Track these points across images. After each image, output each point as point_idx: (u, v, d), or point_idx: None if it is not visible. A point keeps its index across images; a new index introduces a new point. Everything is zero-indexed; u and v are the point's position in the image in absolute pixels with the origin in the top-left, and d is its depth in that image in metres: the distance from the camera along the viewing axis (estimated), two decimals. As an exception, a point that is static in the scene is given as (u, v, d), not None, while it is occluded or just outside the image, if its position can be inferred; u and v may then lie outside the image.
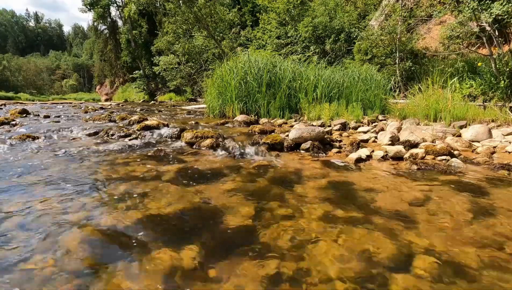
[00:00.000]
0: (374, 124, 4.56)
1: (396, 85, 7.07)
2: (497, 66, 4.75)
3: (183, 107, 10.02)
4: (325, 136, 3.52)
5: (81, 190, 2.03)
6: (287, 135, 3.54)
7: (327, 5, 10.96)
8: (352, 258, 1.29)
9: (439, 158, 2.84)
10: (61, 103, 15.93)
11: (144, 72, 25.19)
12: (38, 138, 3.69)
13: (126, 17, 20.32)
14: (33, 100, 30.92)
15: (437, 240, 1.43)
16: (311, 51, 10.43)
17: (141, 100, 22.40)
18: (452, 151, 2.96)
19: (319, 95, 5.44)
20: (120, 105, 13.66)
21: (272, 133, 3.76)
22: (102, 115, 5.84)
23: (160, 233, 1.51)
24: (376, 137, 3.73)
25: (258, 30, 14.11)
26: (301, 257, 1.30)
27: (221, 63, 6.38)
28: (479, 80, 5.27)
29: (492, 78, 4.93)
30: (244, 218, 1.65)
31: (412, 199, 1.94)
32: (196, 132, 3.64)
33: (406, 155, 2.94)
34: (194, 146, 3.46)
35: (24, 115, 6.21)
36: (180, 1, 13.56)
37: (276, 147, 3.32)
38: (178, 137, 3.81)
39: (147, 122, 4.24)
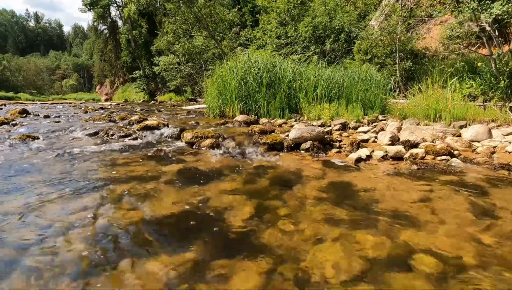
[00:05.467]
0: (374, 124, 4.56)
1: (396, 85, 7.06)
2: (497, 66, 4.74)
3: (183, 107, 10.01)
4: (325, 136, 3.51)
5: (80, 190, 2.03)
6: (287, 135, 3.54)
7: (327, 5, 10.96)
8: (352, 258, 1.29)
9: (439, 158, 2.84)
10: (61, 103, 15.93)
11: (144, 72, 25.18)
12: (38, 138, 3.69)
13: (126, 17, 20.33)
14: (33, 100, 30.92)
15: (437, 240, 1.43)
16: (311, 51, 10.43)
17: (141, 100, 22.39)
18: (452, 151, 2.96)
19: (319, 95, 5.44)
20: (120, 105, 13.65)
21: (272, 133, 3.76)
22: (102, 115, 5.84)
23: (160, 233, 1.52)
24: (376, 137, 3.73)
25: (258, 30, 14.11)
26: (301, 257, 1.30)
27: (221, 63, 6.37)
28: (479, 80, 5.27)
29: (492, 78, 4.93)
30: (244, 219, 1.65)
31: (412, 199, 1.94)
32: (196, 132, 3.64)
33: (406, 155, 2.94)
34: (194, 146, 3.46)
35: (24, 115, 6.21)
36: (180, 1, 13.55)
37: (276, 147, 3.32)
38: (178, 137, 3.81)
39: (147, 122, 4.24)
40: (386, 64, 7.59)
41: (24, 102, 19.55)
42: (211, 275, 1.17)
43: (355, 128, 4.41)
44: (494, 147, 3.15)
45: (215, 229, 1.55)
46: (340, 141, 3.66)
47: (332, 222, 1.61)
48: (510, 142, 3.17)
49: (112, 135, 3.89)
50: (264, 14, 13.84)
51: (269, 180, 2.34)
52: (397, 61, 7.08)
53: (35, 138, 3.67)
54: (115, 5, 28.97)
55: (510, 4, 4.27)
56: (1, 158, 2.80)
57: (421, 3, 8.67)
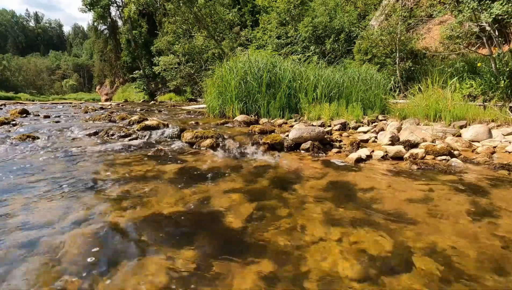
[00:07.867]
0: (374, 124, 4.56)
1: (396, 85, 7.07)
2: (497, 66, 4.75)
3: (183, 107, 10.01)
4: (325, 136, 3.51)
5: (80, 190, 2.03)
6: (287, 135, 3.54)
7: (327, 5, 10.96)
8: (352, 258, 1.29)
9: (439, 158, 2.84)
10: (61, 103, 15.91)
11: (144, 72, 25.18)
12: (38, 138, 3.69)
13: (126, 17, 20.32)
14: (33, 100, 30.93)
15: (437, 240, 1.43)
16: (311, 51, 10.43)
17: (141, 100, 22.38)
18: (452, 151, 2.96)
19: (319, 95, 5.44)
20: (120, 105, 13.64)
21: (272, 133, 3.76)
22: (102, 115, 5.83)
23: (160, 233, 1.51)
24: (376, 137, 3.73)
25: (258, 30, 14.11)
26: (301, 257, 1.30)
27: (221, 63, 6.37)
28: (479, 80, 5.27)
29: (492, 78, 4.92)
30: (244, 218, 1.65)
31: (412, 199, 1.94)
32: (196, 132, 3.64)
33: (406, 155, 2.94)
34: (194, 146, 3.46)
35: (24, 115, 6.20)
36: (180, 1, 13.55)
37: (276, 147, 3.32)
38: (178, 137, 3.81)
39: (147, 122, 4.24)
40: (386, 64, 7.58)
41: (24, 102, 19.53)
42: (211, 275, 1.17)
43: (355, 128, 4.41)
44: (494, 147, 3.15)
45: (215, 229, 1.55)
46: (340, 141, 3.66)
47: (332, 222, 1.61)
48: (510, 142, 3.17)
49: (112, 135, 3.89)
50: (264, 14, 13.84)
51: (269, 180, 2.34)
52: (397, 61, 7.07)
53: (35, 138, 3.67)
54: (115, 5, 29.01)
55: (510, 4, 4.27)
56: (1, 158, 2.80)
57: (421, 3, 8.66)
